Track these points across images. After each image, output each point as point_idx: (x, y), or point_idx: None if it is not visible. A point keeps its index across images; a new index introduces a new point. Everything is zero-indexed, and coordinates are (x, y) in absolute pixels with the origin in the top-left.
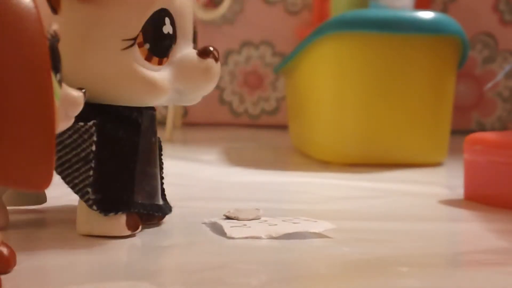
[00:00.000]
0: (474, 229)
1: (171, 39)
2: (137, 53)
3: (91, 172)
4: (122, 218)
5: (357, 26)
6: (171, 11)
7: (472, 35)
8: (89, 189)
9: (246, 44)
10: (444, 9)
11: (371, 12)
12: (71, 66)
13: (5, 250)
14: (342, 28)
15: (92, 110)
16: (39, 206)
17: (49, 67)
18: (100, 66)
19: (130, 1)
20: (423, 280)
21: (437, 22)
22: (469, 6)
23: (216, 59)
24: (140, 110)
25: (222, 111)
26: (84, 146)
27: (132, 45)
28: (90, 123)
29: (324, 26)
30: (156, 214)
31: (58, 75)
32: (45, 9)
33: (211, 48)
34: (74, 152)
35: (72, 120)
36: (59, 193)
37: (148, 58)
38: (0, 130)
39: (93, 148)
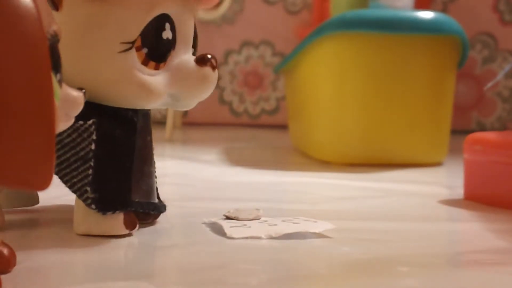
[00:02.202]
0: (474, 229)
1: (170, 44)
2: (134, 57)
3: (90, 171)
4: (120, 217)
5: (357, 26)
6: (172, 16)
7: (472, 35)
8: (88, 188)
9: (246, 44)
10: (444, 9)
11: (371, 12)
12: (69, 65)
13: (5, 250)
14: (342, 28)
15: (90, 109)
16: (39, 206)
17: (49, 67)
18: (96, 67)
19: (132, 4)
20: (423, 279)
21: (437, 22)
22: (469, 6)
23: (214, 68)
24: (135, 109)
25: (222, 111)
26: (83, 145)
27: (129, 49)
28: (90, 121)
29: (324, 26)
30: (152, 212)
31: (58, 75)
32: (45, 9)
33: (209, 56)
34: (73, 151)
35: (72, 120)
36: (59, 193)
37: (145, 63)
38: (0, 130)
39: (93, 147)
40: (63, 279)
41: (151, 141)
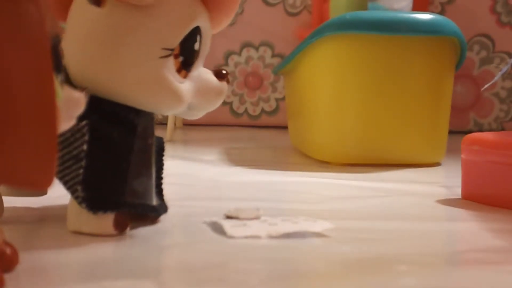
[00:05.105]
0: (471, 228)
1: (197, 56)
2: (171, 63)
3: (81, 171)
4: (110, 217)
5: (356, 27)
6: (202, 30)
7: (469, 36)
8: (78, 187)
9: (246, 45)
10: (442, 11)
11: (370, 14)
12: (101, 61)
13: (8, 249)
14: (341, 30)
15: (89, 109)
16: (43, 205)
17: (51, 68)
18: (133, 68)
19: (176, 13)
20: (421, 278)
21: (435, 23)
22: (467, 8)
23: (228, 82)
24: (137, 111)
25: (222, 112)
26: (76, 144)
27: (169, 55)
28: (83, 123)
29: (324, 28)
30: (149, 214)
31: (59, 76)
32: (48, 11)
33: (224, 72)
34: (66, 150)
35: (74, 120)
36: (60, 193)
37: (178, 70)
38: (2, 130)
39: (84, 147)
40: (65, 277)
41: (152, 144)
